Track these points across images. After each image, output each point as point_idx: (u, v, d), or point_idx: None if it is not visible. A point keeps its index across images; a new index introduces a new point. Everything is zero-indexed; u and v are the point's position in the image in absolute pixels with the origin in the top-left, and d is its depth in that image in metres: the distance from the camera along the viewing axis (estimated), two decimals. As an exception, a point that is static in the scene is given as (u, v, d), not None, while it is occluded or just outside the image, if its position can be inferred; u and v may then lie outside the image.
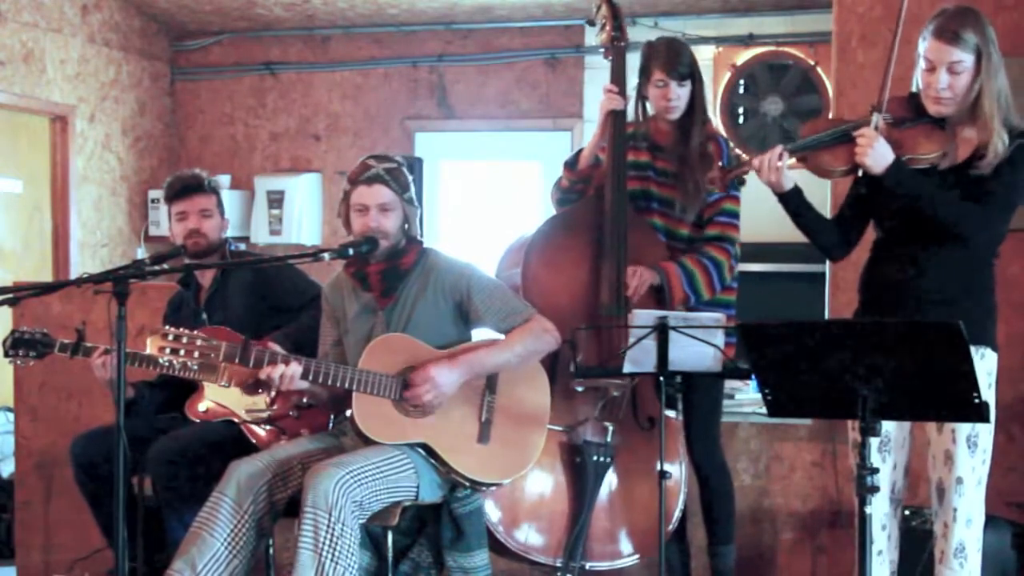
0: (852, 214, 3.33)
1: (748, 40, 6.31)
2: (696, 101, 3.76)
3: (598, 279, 3.73)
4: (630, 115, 3.83)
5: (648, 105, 3.82)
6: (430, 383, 3.26)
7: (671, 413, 3.76)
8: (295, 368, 3.23)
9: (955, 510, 3.11)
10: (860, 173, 3.16)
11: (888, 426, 3.18)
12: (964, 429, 3.08)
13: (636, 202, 3.82)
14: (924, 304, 3.11)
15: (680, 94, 3.72)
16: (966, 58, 3.00)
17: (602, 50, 3.88)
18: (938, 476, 3.15)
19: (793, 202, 3.23)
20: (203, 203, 3.89)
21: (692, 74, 3.73)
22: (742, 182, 3.40)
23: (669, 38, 3.87)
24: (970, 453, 3.09)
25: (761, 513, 4.42)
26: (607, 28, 3.85)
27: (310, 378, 3.26)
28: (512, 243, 3.99)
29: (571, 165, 3.87)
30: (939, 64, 3.03)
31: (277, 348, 3.31)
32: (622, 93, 3.79)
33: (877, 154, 3.03)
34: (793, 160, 3.19)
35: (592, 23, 3.95)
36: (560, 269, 3.76)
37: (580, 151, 3.87)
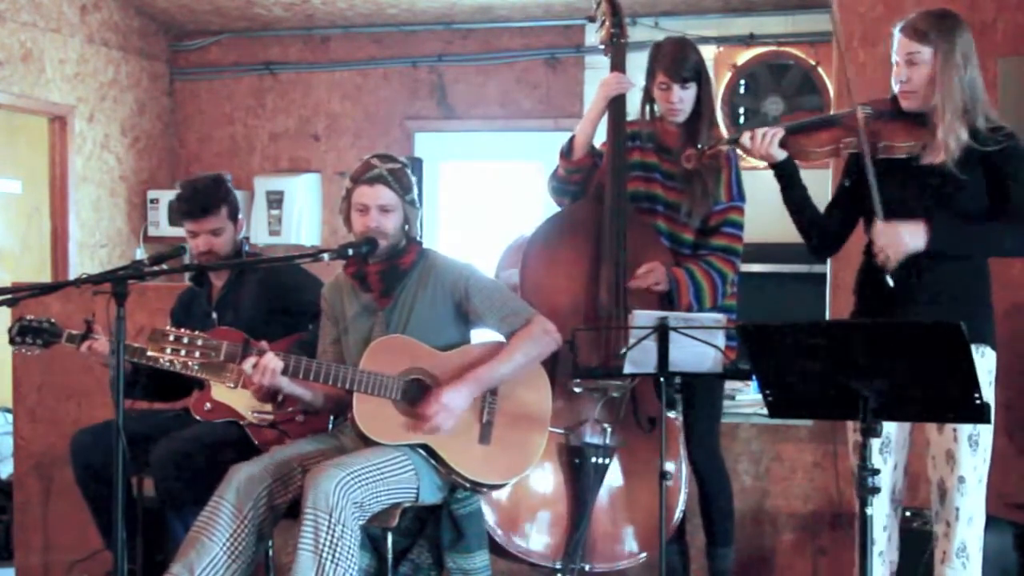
0: (840, 210, 3.37)
1: (749, 40, 6.30)
2: (703, 103, 3.72)
3: (597, 279, 3.71)
4: (636, 115, 3.80)
5: (656, 106, 3.79)
6: (444, 411, 3.25)
7: (671, 413, 3.75)
8: (270, 359, 3.20)
9: (957, 509, 3.11)
10: (846, 161, 3.28)
11: (889, 427, 3.18)
12: (966, 428, 3.08)
13: (641, 203, 3.80)
14: (920, 304, 3.12)
15: (683, 97, 3.69)
16: (923, 50, 3.09)
17: (602, 47, 3.86)
18: (939, 476, 3.14)
19: (787, 172, 3.30)
20: (212, 223, 3.80)
21: (698, 76, 3.69)
22: (714, 158, 3.47)
23: (676, 39, 3.82)
24: (972, 452, 3.09)
25: (762, 514, 4.41)
26: (607, 25, 3.82)
27: (289, 373, 3.23)
28: (511, 242, 3.96)
29: (566, 153, 3.82)
30: (900, 57, 3.13)
31: (264, 345, 3.29)
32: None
33: (906, 236, 3.07)
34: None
35: (592, 20, 3.93)
36: (559, 269, 3.74)
37: (573, 137, 3.81)
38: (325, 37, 7.21)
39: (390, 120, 7.10)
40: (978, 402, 2.57)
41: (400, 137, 7.04)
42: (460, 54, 6.97)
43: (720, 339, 3.35)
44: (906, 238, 3.07)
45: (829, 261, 4.54)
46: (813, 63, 6.20)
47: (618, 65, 3.81)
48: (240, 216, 3.93)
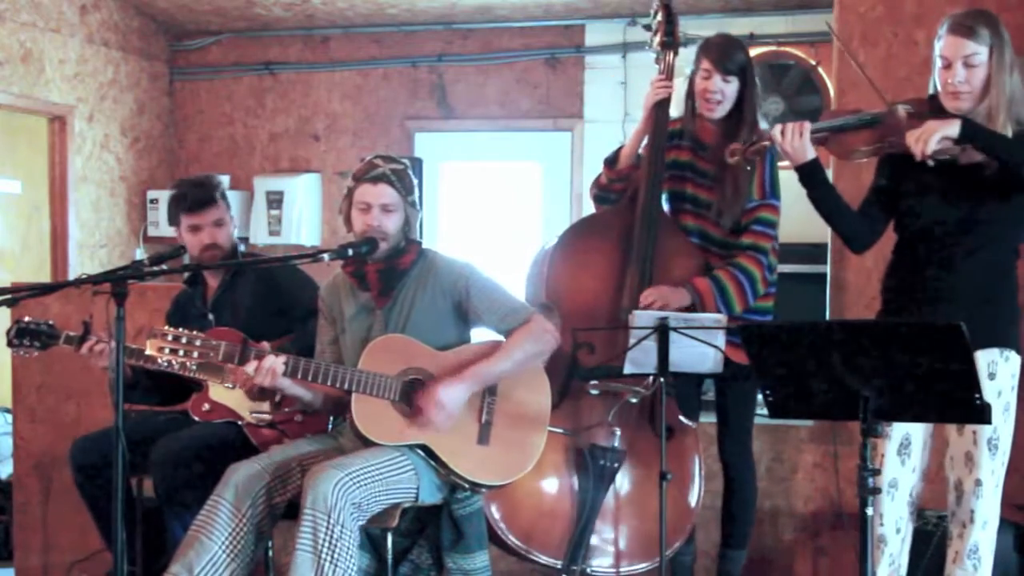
0: (875, 208, 3.33)
1: (749, 40, 6.24)
2: (745, 105, 3.68)
3: (622, 284, 3.69)
4: (678, 112, 3.79)
5: (697, 104, 3.75)
6: (439, 406, 3.24)
7: (689, 422, 3.74)
8: (272, 361, 3.21)
9: (972, 512, 3.11)
10: (880, 160, 3.22)
11: (910, 428, 3.17)
12: (985, 432, 3.07)
13: (671, 202, 3.79)
14: (948, 306, 3.10)
15: (723, 89, 3.65)
16: (980, 50, 3.04)
17: (653, 54, 3.86)
18: (957, 477, 3.14)
19: (813, 174, 3.24)
20: (215, 215, 3.83)
21: (742, 74, 3.65)
22: (759, 154, 3.40)
23: (727, 35, 3.78)
24: (991, 456, 3.09)
25: (762, 514, 4.40)
26: (660, 33, 3.83)
27: (288, 373, 3.23)
28: (535, 256, 3.93)
29: (611, 163, 3.82)
30: (955, 59, 3.06)
31: (265, 346, 3.29)
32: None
33: (940, 129, 3.00)
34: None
35: (648, 27, 3.92)
36: (584, 270, 3.74)
37: (620, 148, 3.82)
38: (325, 37, 7.21)
39: (390, 120, 7.10)
40: (978, 402, 2.56)
41: (400, 137, 7.03)
42: (460, 54, 6.97)
43: (720, 339, 3.34)
44: (936, 125, 3.00)
45: (829, 262, 4.54)
46: (813, 63, 6.19)
47: (666, 71, 3.80)
48: (232, 216, 3.95)
